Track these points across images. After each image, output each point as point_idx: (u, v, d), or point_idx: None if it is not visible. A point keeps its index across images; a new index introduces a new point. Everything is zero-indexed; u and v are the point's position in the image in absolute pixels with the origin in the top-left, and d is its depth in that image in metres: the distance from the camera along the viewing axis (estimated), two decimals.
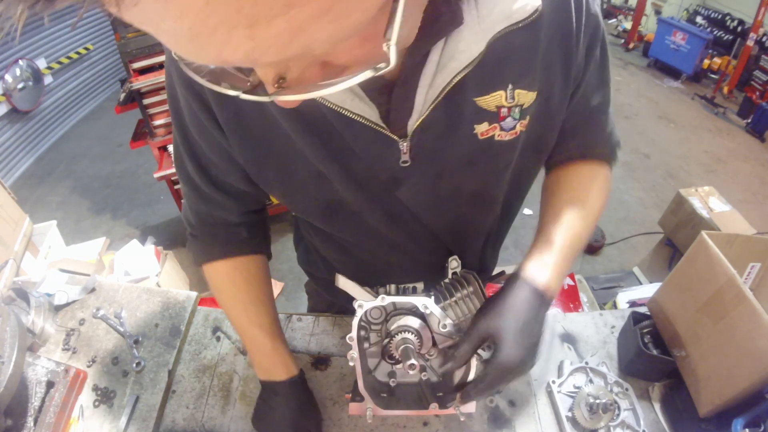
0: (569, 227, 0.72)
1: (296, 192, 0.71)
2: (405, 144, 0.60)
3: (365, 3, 0.28)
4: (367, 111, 0.57)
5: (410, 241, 0.79)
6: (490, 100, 0.59)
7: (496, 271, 1.03)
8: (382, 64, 0.31)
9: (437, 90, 0.55)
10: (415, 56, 0.53)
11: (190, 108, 0.64)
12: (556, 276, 0.68)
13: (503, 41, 0.54)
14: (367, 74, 0.31)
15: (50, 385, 0.93)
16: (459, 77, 0.54)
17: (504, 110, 0.60)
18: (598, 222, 0.79)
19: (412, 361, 0.67)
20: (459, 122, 0.60)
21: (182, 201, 0.82)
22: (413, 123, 0.58)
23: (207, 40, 0.25)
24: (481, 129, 0.61)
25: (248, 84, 0.37)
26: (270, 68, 0.34)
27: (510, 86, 0.58)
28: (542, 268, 0.68)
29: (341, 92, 0.54)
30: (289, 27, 0.25)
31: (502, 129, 0.62)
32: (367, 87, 0.56)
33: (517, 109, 0.61)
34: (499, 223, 0.88)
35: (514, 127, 0.62)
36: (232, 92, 0.36)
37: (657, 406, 0.95)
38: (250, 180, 0.71)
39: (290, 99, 0.35)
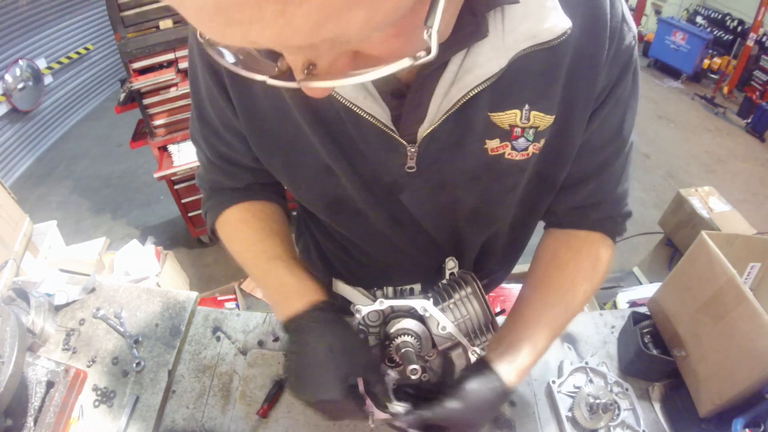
0: (550, 329, 0.69)
1: (302, 183, 0.70)
2: (413, 150, 0.59)
3: None
4: (378, 111, 0.56)
5: (411, 245, 0.78)
6: (504, 118, 0.57)
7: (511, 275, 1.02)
8: (422, 53, 0.30)
9: (451, 102, 0.54)
10: (433, 63, 0.50)
11: (208, 86, 0.64)
12: (525, 373, 0.67)
13: (525, 60, 0.52)
14: (405, 62, 0.30)
15: (50, 385, 0.93)
16: (476, 91, 0.53)
17: (517, 130, 0.59)
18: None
19: (414, 366, 0.67)
20: (470, 136, 0.59)
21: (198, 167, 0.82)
22: (423, 130, 0.57)
23: (234, 16, 0.23)
24: (492, 145, 0.60)
25: (276, 70, 0.35)
26: (300, 54, 0.32)
27: (527, 106, 0.57)
28: (515, 370, 0.65)
29: (356, 89, 0.54)
30: (323, 7, 0.24)
31: (513, 148, 0.60)
32: (382, 88, 0.55)
33: (531, 131, 0.59)
34: (506, 244, 0.86)
35: (526, 149, 0.60)
36: (258, 77, 0.34)
37: (657, 406, 0.95)
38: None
39: (320, 86, 0.33)
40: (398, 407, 0.63)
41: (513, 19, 0.50)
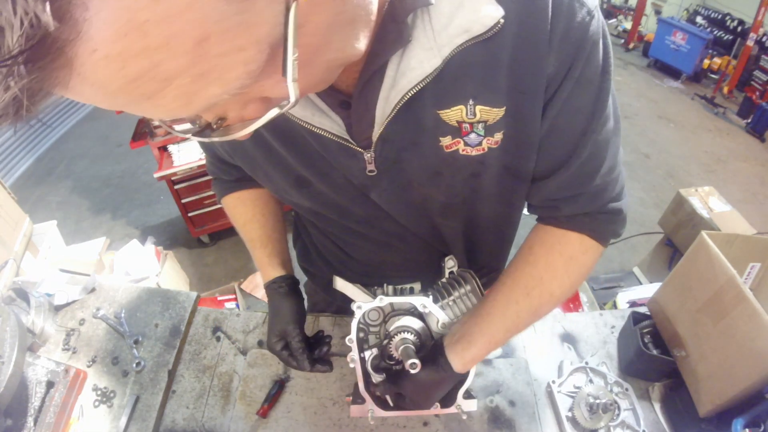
0: (511, 324, 0.70)
1: (284, 193, 0.76)
2: (369, 155, 0.61)
3: (243, 55, 0.31)
4: (330, 125, 0.58)
5: (399, 241, 0.80)
6: (450, 114, 0.57)
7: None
8: (285, 102, 0.36)
9: (391, 105, 0.55)
10: (367, 72, 0.53)
11: None
12: (474, 363, 0.72)
13: (464, 54, 0.52)
14: (273, 112, 0.38)
15: (50, 385, 0.93)
16: (411, 94, 0.53)
17: (465, 126, 0.58)
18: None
19: (414, 360, 0.67)
20: (421, 135, 0.59)
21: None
22: (375, 135, 0.59)
23: (133, 109, 0.33)
24: (446, 142, 0.60)
25: (197, 125, 0.42)
26: (207, 113, 0.39)
27: (471, 102, 0.56)
28: (464, 359, 0.70)
29: (305, 107, 0.57)
30: (180, 93, 0.31)
31: (466, 144, 0.60)
32: (331, 101, 0.58)
33: (480, 125, 0.58)
34: (494, 238, 0.86)
35: (480, 143, 0.60)
36: (184, 135, 0.44)
37: (657, 406, 0.95)
38: None
39: (229, 138, 0.41)
40: (377, 377, 0.78)
41: (441, 17, 0.50)
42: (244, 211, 0.91)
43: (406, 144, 0.61)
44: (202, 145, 0.87)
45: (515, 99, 0.56)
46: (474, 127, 0.58)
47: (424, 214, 0.74)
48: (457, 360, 0.69)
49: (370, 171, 0.64)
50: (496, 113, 0.57)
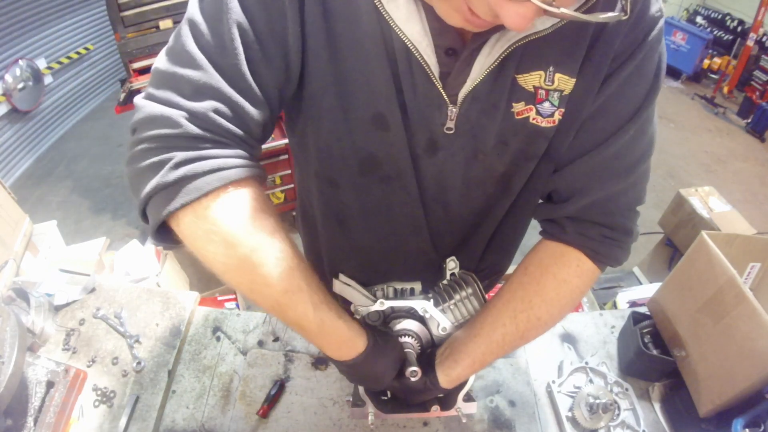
0: (496, 347, 0.69)
1: (345, 134, 0.65)
2: (453, 110, 0.60)
3: None
4: (433, 62, 0.57)
5: (411, 233, 0.78)
6: (528, 79, 0.58)
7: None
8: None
9: (493, 58, 0.55)
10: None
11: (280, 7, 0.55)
12: (458, 380, 0.73)
13: (563, 24, 0.53)
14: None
15: (50, 385, 0.93)
16: (516, 45, 0.54)
17: (541, 92, 0.58)
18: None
19: (414, 368, 0.67)
20: (501, 98, 0.59)
21: None
22: (465, 90, 0.58)
23: None
24: (518, 108, 0.60)
25: None
26: None
27: (551, 68, 0.57)
28: (449, 377, 0.71)
29: (422, 37, 0.54)
30: None
31: (538, 113, 0.60)
32: (439, 43, 0.56)
33: (556, 95, 0.59)
34: (509, 228, 0.85)
35: (552, 114, 0.60)
36: None
37: (657, 406, 0.95)
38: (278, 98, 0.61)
39: (552, 11, 0.40)
40: None
41: None
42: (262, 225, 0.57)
43: (487, 108, 0.60)
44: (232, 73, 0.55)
45: (585, 69, 0.57)
46: (549, 95, 0.59)
47: (479, 191, 0.72)
48: (443, 376, 0.71)
49: (448, 129, 0.62)
50: (569, 83, 0.58)
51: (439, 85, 0.58)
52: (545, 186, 0.71)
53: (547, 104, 0.59)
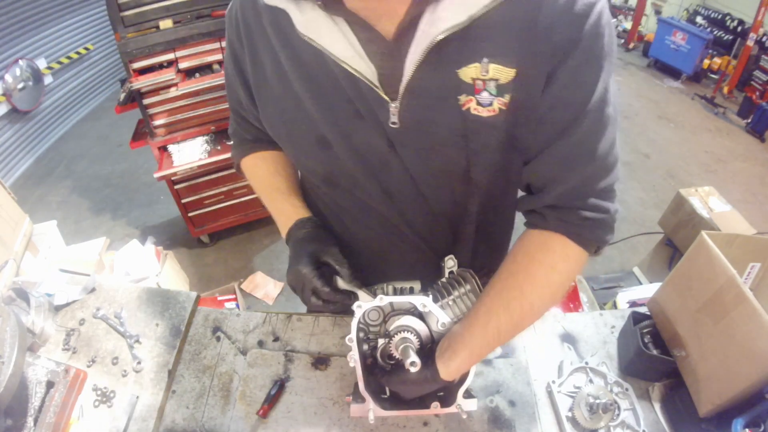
0: (491, 337, 0.70)
1: (301, 154, 0.79)
2: (394, 105, 0.65)
3: None
4: (365, 69, 0.63)
5: (405, 226, 0.81)
6: (467, 71, 0.61)
7: None
8: None
9: (419, 54, 0.59)
10: (405, 21, 0.60)
11: (233, 55, 0.79)
12: (458, 372, 0.74)
13: (487, 15, 0.57)
14: None
15: (50, 385, 0.93)
16: (439, 38, 0.58)
17: (479, 83, 0.61)
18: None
19: (413, 358, 0.67)
20: (444, 92, 0.63)
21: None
22: (402, 87, 0.63)
23: None
24: (463, 100, 0.63)
25: None
26: None
27: (485, 59, 0.60)
28: (449, 368, 0.72)
29: (347, 50, 0.63)
30: None
31: (478, 103, 0.63)
32: (370, 48, 0.63)
33: (492, 84, 0.61)
34: (493, 222, 0.87)
35: (491, 104, 0.63)
36: None
37: (657, 406, 0.95)
38: None
39: None
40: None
41: None
42: (266, 166, 0.93)
43: (431, 102, 0.64)
44: (231, 98, 0.88)
45: (526, 61, 0.60)
46: (486, 85, 0.61)
47: (446, 182, 0.75)
48: (443, 368, 0.72)
49: (393, 123, 0.66)
50: (507, 73, 0.60)
51: (377, 87, 0.64)
52: (521, 179, 0.73)
53: (485, 94, 0.62)
